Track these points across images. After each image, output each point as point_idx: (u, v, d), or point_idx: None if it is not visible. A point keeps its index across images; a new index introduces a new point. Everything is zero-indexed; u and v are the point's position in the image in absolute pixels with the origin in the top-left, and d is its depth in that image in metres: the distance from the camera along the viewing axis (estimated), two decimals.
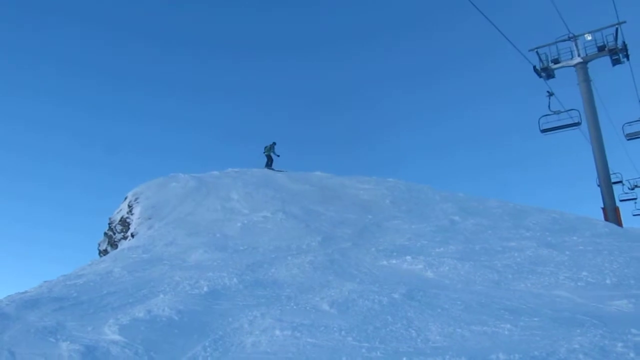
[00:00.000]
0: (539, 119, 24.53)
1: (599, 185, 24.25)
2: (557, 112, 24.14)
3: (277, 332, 6.96)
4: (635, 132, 25.21)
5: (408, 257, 11.38)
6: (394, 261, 11.44)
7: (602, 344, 4.94)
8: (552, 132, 24.50)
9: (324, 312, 7.85)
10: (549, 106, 24.21)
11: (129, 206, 21.90)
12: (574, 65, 24.33)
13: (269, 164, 27.03)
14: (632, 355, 4.55)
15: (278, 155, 27.39)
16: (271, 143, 27.23)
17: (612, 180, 25.92)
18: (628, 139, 25.53)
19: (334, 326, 7.11)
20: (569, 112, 23.80)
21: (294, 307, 8.31)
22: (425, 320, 7.06)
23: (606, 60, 24.32)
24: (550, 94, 24.06)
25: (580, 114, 23.42)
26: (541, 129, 24.64)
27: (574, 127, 23.97)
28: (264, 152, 27.11)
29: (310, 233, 15.04)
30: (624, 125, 25.27)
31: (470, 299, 7.97)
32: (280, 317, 7.64)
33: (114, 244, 21.60)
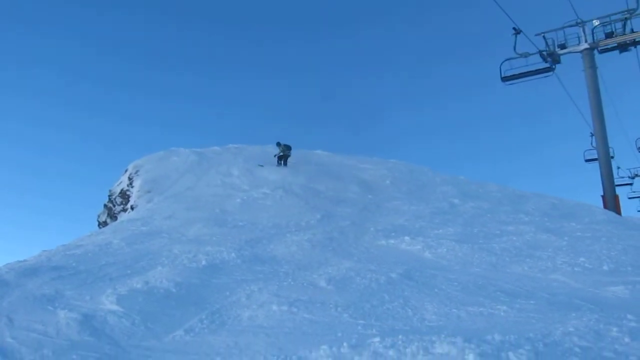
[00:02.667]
0: (501, 63, 22.34)
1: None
2: (525, 55, 22.14)
3: (274, 307, 7.00)
4: None
5: (407, 238, 11.41)
6: (393, 241, 11.47)
7: (597, 328, 4.94)
8: (516, 80, 22.63)
9: (321, 289, 7.89)
10: (514, 47, 21.99)
11: (129, 179, 21.91)
12: (581, 51, 24.06)
13: (284, 161, 21.85)
14: (626, 340, 4.56)
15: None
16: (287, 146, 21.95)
17: (620, 183, 26.55)
18: None
19: (330, 303, 7.15)
20: (541, 53, 21.80)
21: (292, 283, 8.35)
22: (422, 300, 7.10)
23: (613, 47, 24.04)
24: (518, 32, 21.39)
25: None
26: (502, 76, 22.64)
27: (545, 75, 22.55)
28: (280, 153, 21.76)
29: (309, 211, 15.06)
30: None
31: (467, 280, 8.00)
32: (277, 293, 7.68)
33: (113, 216, 21.66)
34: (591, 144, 26.64)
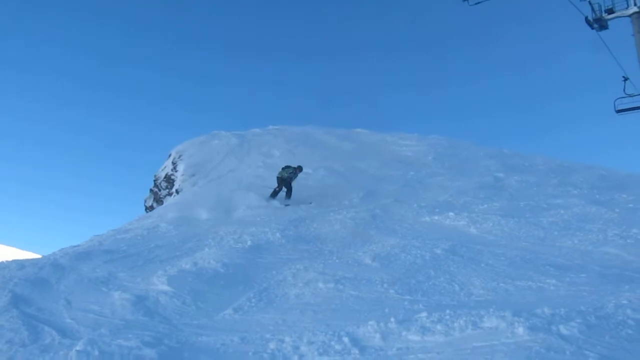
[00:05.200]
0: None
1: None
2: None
3: (320, 285, 7.06)
4: None
5: (451, 213, 11.27)
6: (436, 217, 11.35)
7: None
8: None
9: (366, 266, 7.90)
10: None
11: (173, 163, 22.36)
12: (630, 15, 23.04)
13: (288, 192, 15.10)
14: None
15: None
16: (294, 168, 15.43)
17: None
18: None
19: (376, 279, 7.16)
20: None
21: (337, 260, 8.39)
22: (469, 275, 7.03)
23: None
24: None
25: None
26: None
27: None
28: (282, 175, 15.12)
29: (352, 189, 15.05)
30: None
31: (515, 254, 7.87)
32: (323, 271, 7.73)
33: (159, 200, 22.19)
34: (624, 90, 25.15)
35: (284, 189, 14.99)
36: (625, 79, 23.99)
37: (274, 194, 14.90)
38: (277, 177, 15.10)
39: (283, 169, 15.29)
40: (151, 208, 21.93)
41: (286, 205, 14.37)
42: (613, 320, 4.31)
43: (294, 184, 15.18)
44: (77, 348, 4.52)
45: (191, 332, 5.55)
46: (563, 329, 4.10)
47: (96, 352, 4.47)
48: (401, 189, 15.12)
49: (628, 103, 24.35)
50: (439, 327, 4.68)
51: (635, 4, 22.80)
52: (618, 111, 24.55)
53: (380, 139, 23.24)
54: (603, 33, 23.63)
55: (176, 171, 21.66)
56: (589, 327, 4.14)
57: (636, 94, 23.65)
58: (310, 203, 14.15)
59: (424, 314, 5.05)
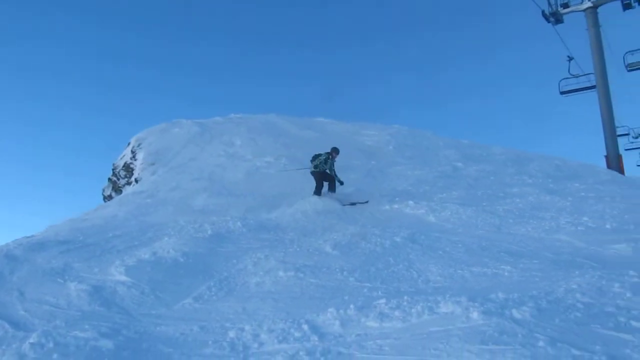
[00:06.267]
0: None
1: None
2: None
3: (281, 273, 7.09)
4: (638, 62, 24.88)
5: (410, 202, 11.44)
6: (397, 206, 11.51)
7: (599, 284, 5.00)
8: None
9: (326, 254, 7.97)
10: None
11: (132, 152, 21.95)
12: (584, 10, 23.69)
13: (331, 185, 13.23)
14: (628, 295, 4.61)
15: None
16: (326, 153, 13.31)
17: (619, 133, 26.51)
18: (629, 70, 25.28)
19: (336, 267, 7.24)
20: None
21: (297, 249, 8.43)
22: (427, 262, 7.17)
23: (617, 5, 23.67)
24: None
25: None
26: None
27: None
28: (317, 169, 13.12)
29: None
30: (625, 54, 25.23)
31: (471, 242, 8.06)
32: (283, 259, 7.77)
33: (118, 189, 21.78)
34: (568, 71, 25.80)
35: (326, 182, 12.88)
36: (570, 58, 25.23)
37: (318, 194, 12.66)
38: (311, 173, 13.07)
39: (312, 160, 13.10)
40: (110, 197, 21.50)
41: (344, 204, 12.01)
42: (563, 304, 4.47)
43: (334, 171, 13.00)
44: (31, 340, 4.42)
45: (150, 322, 5.50)
46: (516, 313, 4.23)
47: (51, 344, 4.38)
48: (363, 178, 15.23)
49: (573, 84, 25.68)
50: (396, 313, 4.76)
51: (589, 0, 23.49)
52: (562, 92, 25.98)
53: (343, 128, 23.30)
54: (558, 26, 24.34)
55: (135, 160, 21.26)
56: (540, 310, 4.27)
57: (581, 74, 24.87)
58: (367, 201, 12.18)
59: (382, 301, 5.13)
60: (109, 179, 23.32)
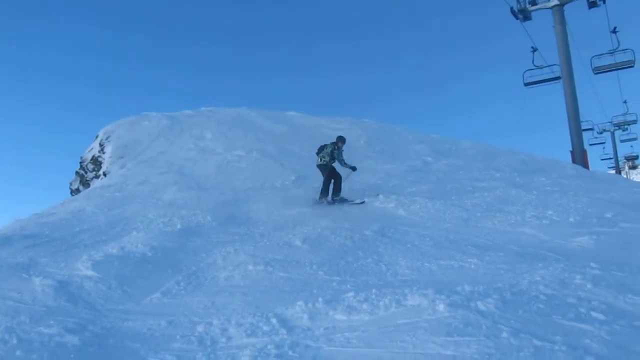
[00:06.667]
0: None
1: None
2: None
3: (250, 267, 7.09)
4: (603, 66, 25.45)
5: (380, 196, 11.53)
6: (367, 199, 11.58)
7: (562, 276, 5.14)
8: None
9: (296, 248, 7.99)
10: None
11: (101, 145, 21.54)
12: (551, 8, 24.16)
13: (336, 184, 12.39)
14: (589, 286, 4.76)
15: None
16: (331, 144, 12.72)
17: (583, 128, 27.23)
18: (596, 73, 25.87)
19: (305, 261, 7.26)
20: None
21: (267, 243, 8.43)
22: (395, 256, 7.25)
23: (582, 3, 24.19)
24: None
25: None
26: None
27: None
28: (323, 161, 12.49)
29: (284, 172, 15.07)
30: (592, 58, 25.71)
31: (439, 235, 8.18)
32: (253, 253, 7.76)
33: (85, 183, 21.39)
34: (532, 62, 26.03)
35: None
36: (534, 50, 25.76)
37: (325, 191, 11.95)
38: (317, 166, 12.51)
39: (317, 153, 12.55)
40: (77, 191, 21.09)
41: (351, 202, 11.55)
42: (527, 295, 4.57)
43: (343, 161, 12.38)
44: None
45: (117, 317, 5.44)
46: (481, 305, 4.31)
47: (14, 341, 4.30)
48: None
49: (537, 75, 26.28)
50: (364, 306, 4.81)
51: None
52: (527, 84, 26.60)
53: (314, 122, 23.28)
54: (526, 23, 24.76)
55: (104, 153, 20.87)
56: (505, 302, 4.37)
57: (545, 65, 25.49)
58: (363, 202, 11.58)
59: (351, 294, 5.18)
60: (77, 173, 22.87)
